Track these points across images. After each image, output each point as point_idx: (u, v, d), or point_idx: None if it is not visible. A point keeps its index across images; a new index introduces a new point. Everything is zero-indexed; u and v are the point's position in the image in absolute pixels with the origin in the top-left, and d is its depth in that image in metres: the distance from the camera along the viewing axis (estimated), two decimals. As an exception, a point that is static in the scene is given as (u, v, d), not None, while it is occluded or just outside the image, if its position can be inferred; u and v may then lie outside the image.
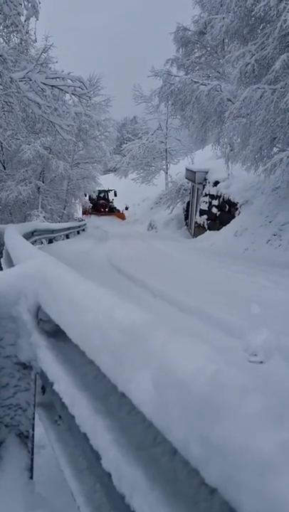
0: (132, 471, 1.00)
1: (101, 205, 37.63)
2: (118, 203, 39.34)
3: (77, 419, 1.34)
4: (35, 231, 14.46)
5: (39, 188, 22.35)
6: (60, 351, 1.74)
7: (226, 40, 17.60)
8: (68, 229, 20.59)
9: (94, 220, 33.38)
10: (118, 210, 38.28)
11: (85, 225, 26.63)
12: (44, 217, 21.41)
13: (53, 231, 17.26)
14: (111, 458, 1.08)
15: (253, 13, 11.24)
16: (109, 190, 38.16)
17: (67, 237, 20.22)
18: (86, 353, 1.29)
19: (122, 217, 37.26)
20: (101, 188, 34.92)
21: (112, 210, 38.09)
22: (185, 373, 0.77)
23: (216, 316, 5.26)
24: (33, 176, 22.31)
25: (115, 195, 37.91)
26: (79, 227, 23.97)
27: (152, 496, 0.91)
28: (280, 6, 10.40)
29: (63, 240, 19.05)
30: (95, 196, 36.51)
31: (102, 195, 38.29)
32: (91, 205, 35.81)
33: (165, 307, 5.97)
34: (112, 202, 38.65)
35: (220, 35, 14.88)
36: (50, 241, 16.92)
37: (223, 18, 14.08)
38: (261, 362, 4.10)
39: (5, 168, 22.13)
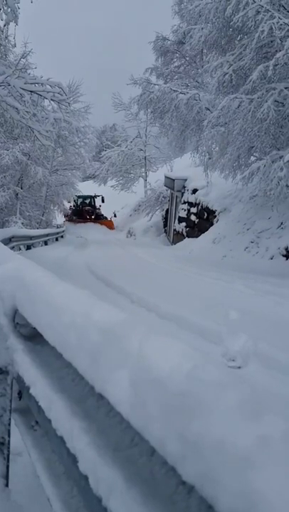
0: (110, 472, 0.99)
1: (86, 212, 33.70)
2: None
3: (54, 423, 1.32)
4: (13, 237, 14.33)
5: (17, 194, 22.17)
6: (37, 355, 1.72)
7: (205, 50, 17.86)
8: (47, 235, 20.44)
9: (77, 229, 30.30)
10: (105, 218, 34.23)
11: (63, 231, 25.90)
12: (22, 223, 21.23)
13: (31, 237, 17.12)
14: (88, 460, 1.06)
15: (231, 23, 11.42)
16: (96, 196, 34.72)
17: (46, 243, 20.08)
18: (63, 355, 1.28)
19: (110, 225, 33.18)
20: (83, 194, 33.14)
21: (99, 218, 33.92)
22: (162, 371, 0.77)
23: (194, 322, 5.27)
24: (12, 182, 22.13)
25: (103, 201, 33.92)
26: (57, 233, 23.79)
27: (129, 495, 0.90)
28: (258, 17, 10.60)
29: (42, 246, 18.90)
30: (78, 202, 34.02)
31: (87, 201, 35.03)
32: (70, 211, 33.13)
33: (144, 313, 5.96)
34: (99, 208, 34.72)
35: (198, 46, 15.07)
36: (29, 247, 16.77)
37: (202, 28, 14.27)
38: (239, 367, 4.12)
39: (-18, 174, 21.88)
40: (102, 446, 1.08)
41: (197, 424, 0.68)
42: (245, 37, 12.08)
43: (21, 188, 22.59)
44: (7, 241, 12.99)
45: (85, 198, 34.60)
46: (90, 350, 1.05)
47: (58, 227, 26.60)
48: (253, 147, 12.23)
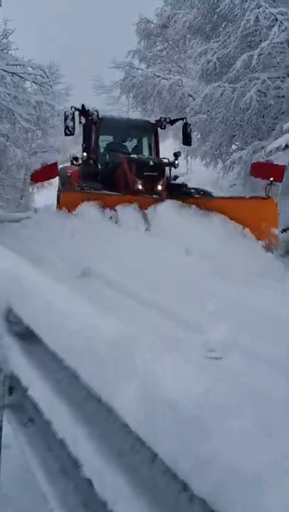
0: (115, 477, 1.03)
1: (144, 179, 8.26)
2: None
3: (55, 426, 1.36)
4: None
5: (-5, 176, 21.76)
6: (32, 355, 1.75)
7: (188, 36, 17.69)
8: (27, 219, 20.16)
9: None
10: (209, 194, 8.86)
11: None
12: (0, 206, 20.91)
13: (9, 221, 16.89)
14: (93, 466, 1.11)
15: (217, 10, 11.36)
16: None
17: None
18: (65, 360, 1.31)
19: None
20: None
21: (188, 193, 8.54)
22: (173, 392, 0.81)
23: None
24: (-11, 164, 21.67)
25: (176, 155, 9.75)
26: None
27: (136, 502, 0.95)
28: (245, 5, 10.56)
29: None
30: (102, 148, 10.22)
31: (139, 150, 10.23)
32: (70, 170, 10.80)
33: (122, 299, 5.98)
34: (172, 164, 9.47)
35: (183, 31, 14.95)
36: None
37: (187, 13, 14.14)
38: (217, 358, 4.20)
39: None
40: (105, 452, 1.12)
41: (210, 446, 0.73)
42: (230, 24, 12.03)
43: (-1, 170, 22.15)
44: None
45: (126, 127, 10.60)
46: (97, 361, 1.09)
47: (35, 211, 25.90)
48: (234, 136, 12.30)
